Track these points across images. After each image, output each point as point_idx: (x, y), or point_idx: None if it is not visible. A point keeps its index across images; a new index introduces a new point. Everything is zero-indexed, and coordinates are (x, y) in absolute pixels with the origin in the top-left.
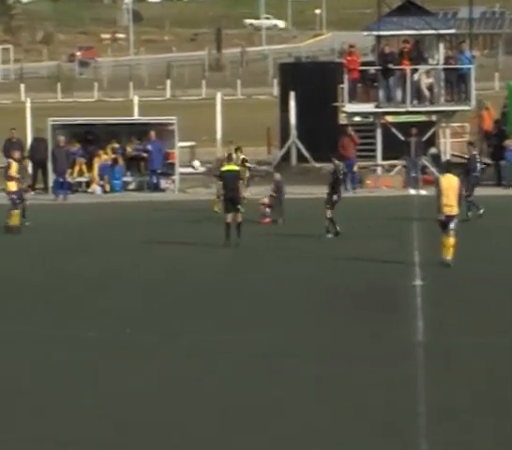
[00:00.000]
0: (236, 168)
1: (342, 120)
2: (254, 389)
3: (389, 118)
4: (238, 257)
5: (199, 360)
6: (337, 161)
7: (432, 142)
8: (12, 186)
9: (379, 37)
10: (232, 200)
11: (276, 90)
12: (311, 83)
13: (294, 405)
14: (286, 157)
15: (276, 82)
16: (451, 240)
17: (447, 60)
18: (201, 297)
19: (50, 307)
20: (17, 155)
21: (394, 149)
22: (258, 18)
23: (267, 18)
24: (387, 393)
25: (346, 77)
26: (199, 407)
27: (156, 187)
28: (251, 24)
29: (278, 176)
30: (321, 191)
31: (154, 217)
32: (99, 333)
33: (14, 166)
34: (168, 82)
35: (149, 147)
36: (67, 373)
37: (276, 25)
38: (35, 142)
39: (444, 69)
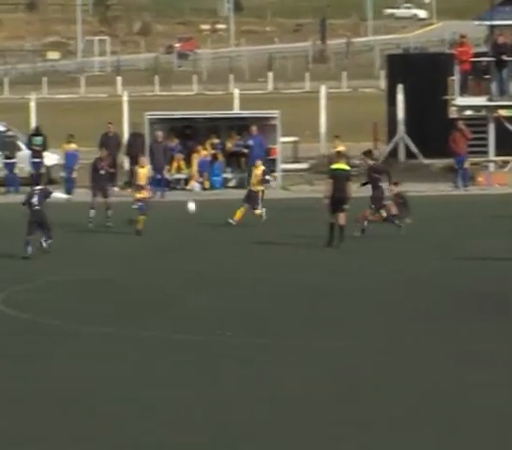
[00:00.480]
0: (347, 167)
1: (453, 114)
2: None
3: (502, 112)
4: (341, 257)
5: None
6: (370, 161)
7: None
8: (140, 194)
9: (492, 27)
10: (339, 200)
11: (383, 83)
12: (420, 76)
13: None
14: (393, 153)
15: (383, 74)
16: None
17: None
18: (300, 298)
19: (147, 308)
20: (145, 162)
21: (507, 144)
22: (395, 7)
23: (408, 7)
24: None
25: (457, 69)
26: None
27: None
28: (392, 14)
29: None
30: (432, 188)
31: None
32: (195, 334)
33: (142, 174)
34: (270, 74)
35: (250, 142)
36: (164, 375)
37: (415, 15)
38: (132, 138)
39: None
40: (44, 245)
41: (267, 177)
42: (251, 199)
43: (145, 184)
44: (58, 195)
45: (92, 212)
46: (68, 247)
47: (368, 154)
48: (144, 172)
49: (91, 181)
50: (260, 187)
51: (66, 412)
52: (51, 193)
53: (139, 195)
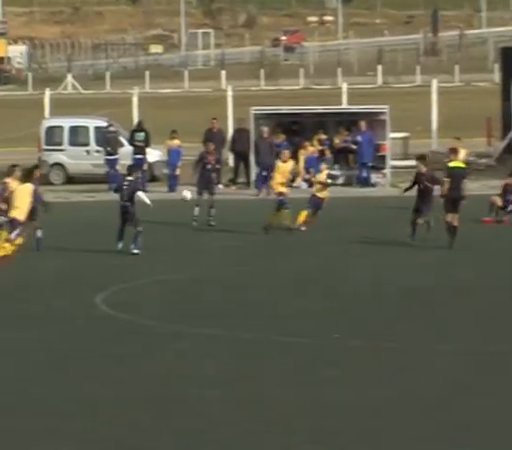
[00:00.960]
0: (463, 165)
1: None
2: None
3: None
4: (452, 257)
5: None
6: (423, 168)
7: None
8: (282, 188)
9: None
10: (455, 199)
11: (497, 76)
12: None
13: None
14: (508, 150)
15: (497, 67)
16: None
17: None
18: (407, 299)
19: (249, 308)
20: (288, 156)
21: None
22: None
23: None
24: None
25: None
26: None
27: (365, 182)
28: None
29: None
30: None
31: (363, 214)
32: (297, 336)
33: (284, 168)
34: (379, 68)
35: (359, 138)
36: (263, 376)
37: None
38: (236, 133)
39: None
40: (133, 251)
41: (330, 178)
42: (316, 204)
43: (286, 179)
44: (142, 197)
45: (196, 210)
46: (171, 245)
47: (422, 159)
48: (287, 166)
49: (197, 175)
50: (325, 193)
51: (159, 414)
52: (139, 190)
53: (281, 189)
